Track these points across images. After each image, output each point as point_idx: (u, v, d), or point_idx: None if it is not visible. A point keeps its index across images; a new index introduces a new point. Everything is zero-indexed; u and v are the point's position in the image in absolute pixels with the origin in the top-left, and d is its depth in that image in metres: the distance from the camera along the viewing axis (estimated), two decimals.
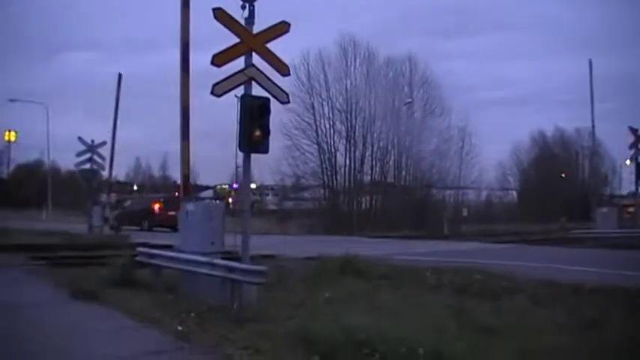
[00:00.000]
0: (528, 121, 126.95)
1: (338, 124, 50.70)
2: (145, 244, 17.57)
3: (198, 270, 11.36)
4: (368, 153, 51.04)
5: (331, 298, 11.53)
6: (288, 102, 12.31)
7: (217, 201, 61.22)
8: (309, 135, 50.34)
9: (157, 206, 40.11)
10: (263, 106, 11.60)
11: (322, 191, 51.61)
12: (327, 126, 50.67)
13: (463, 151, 54.08)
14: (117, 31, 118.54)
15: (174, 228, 23.32)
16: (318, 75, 50.49)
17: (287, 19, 12.07)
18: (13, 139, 79.30)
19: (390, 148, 51.62)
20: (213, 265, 10.93)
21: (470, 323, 9.29)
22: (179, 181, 15.56)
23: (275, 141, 50.54)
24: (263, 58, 11.86)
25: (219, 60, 11.43)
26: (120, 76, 32.31)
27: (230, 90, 11.70)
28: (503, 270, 15.24)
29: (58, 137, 68.00)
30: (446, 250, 24.78)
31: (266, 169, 53.71)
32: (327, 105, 50.60)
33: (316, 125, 50.25)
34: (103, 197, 50.20)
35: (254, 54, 11.76)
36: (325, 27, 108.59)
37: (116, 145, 32.20)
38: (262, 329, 8.83)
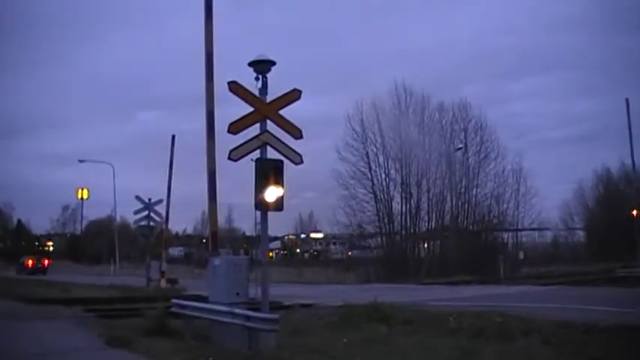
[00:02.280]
0: (592, 159, 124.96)
1: (393, 172, 51.61)
2: (194, 297, 18.66)
3: (221, 319, 12.44)
4: (424, 199, 51.65)
5: (348, 342, 12.34)
6: (302, 163, 13.27)
7: (285, 251, 62.48)
8: (364, 184, 51.33)
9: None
10: (277, 168, 12.70)
11: (380, 239, 52.32)
12: (382, 174, 51.62)
13: (520, 193, 54.09)
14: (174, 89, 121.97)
15: None
16: (372, 124, 51.61)
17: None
18: (85, 196, 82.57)
19: (445, 193, 52.15)
20: (233, 315, 11.98)
21: None
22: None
23: (332, 190, 52.00)
24: (276, 124, 13.01)
25: (234, 128, 12.63)
26: (173, 137, 34.07)
27: (246, 154, 12.84)
28: (527, 312, 15.75)
29: (127, 193, 70.34)
30: (487, 294, 25.18)
31: (324, 218, 54.69)
32: (382, 153, 51.60)
33: (371, 174, 51.23)
34: (171, 250, 52.01)
35: (268, 120, 12.98)
36: (379, 76, 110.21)
37: (183, 200, 33.78)
38: None
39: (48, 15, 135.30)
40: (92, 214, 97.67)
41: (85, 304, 20.85)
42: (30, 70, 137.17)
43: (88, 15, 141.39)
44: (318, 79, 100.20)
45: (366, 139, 51.59)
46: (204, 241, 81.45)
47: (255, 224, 41.15)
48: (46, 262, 63.88)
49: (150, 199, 31.58)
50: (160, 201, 32.37)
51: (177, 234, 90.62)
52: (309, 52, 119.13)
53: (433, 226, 52.45)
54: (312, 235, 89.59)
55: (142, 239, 33.71)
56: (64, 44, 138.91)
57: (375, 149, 51.70)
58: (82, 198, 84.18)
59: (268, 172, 12.54)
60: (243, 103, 12.90)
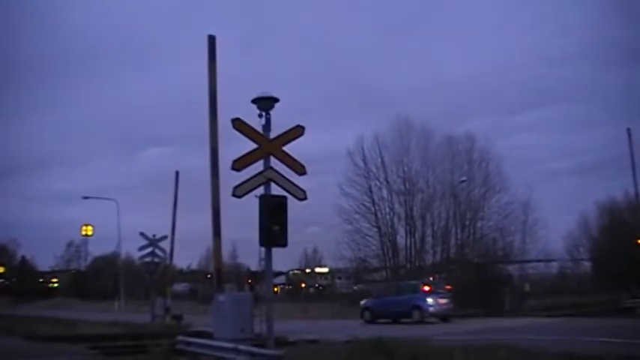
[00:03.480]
0: (595, 190, 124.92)
1: (397, 206, 51.60)
2: (199, 334, 18.68)
3: (226, 355, 12.45)
4: (428, 232, 51.57)
5: None
6: (306, 199, 13.35)
7: (290, 286, 62.36)
8: (368, 218, 51.33)
9: None
10: (280, 204, 12.85)
11: (385, 273, 52.26)
12: (387, 208, 51.64)
13: (526, 224, 53.84)
14: (178, 127, 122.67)
15: None
16: (375, 158, 51.75)
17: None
18: (90, 233, 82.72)
19: (450, 226, 52.04)
20: (238, 351, 12.01)
21: None
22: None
23: (336, 225, 52.03)
24: (280, 160, 13.14)
25: (238, 165, 12.77)
26: (177, 173, 34.32)
27: (250, 191, 12.96)
28: (532, 345, 15.79)
29: (131, 230, 70.48)
30: (493, 327, 25.16)
31: (328, 253, 54.65)
32: (385, 188, 51.67)
33: (375, 208, 51.25)
34: (176, 286, 51.89)
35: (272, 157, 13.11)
36: (380, 113, 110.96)
37: (188, 236, 33.88)
38: None
39: (51, 57, 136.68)
40: (97, 250, 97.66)
41: (89, 341, 20.86)
42: (34, 109, 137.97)
43: (91, 57, 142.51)
44: (320, 115, 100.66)
45: (369, 174, 51.75)
46: (208, 276, 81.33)
47: (260, 260, 41.26)
48: None
49: (154, 235, 31.64)
50: (165, 237, 32.45)
51: (181, 270, 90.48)
52: (311, 89, 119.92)
53: (438, 259, 52.33)
54: (317, 269, 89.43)
55: (147, 275, 33.68)
56: (66, 85, 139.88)
57: (378, 183, 51.84)
58: (86, 235, 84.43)
59: (272, 209, 12.64)
60: (246, 139, 13.04)
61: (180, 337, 15.05)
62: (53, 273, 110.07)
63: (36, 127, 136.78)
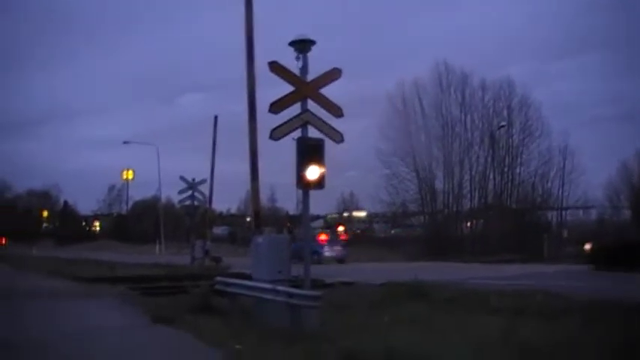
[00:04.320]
0: (637, 137, 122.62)
1: (435, 151, 51.51)
2: (237, 275, 18.92)
3: (264, 296, 12.62)
4: (466, 177, 51.55)
5: (390, 320, 12.45)
6: (343, 141, 13.34)
7: (329, 229, 62.64)
8: (406, 162, 51.35)
9: None
10: (318, 146, 12.86)
11: (422, 218, 52.36)
12: (425, 153, 51.47)
13: (565, 171, 53.40)
14: (216, 72, 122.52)
15: None
16: (414, 103, 51.53)
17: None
18: (130, 177, 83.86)
19: (488, 172, 51.82)
20: (276, 292, 12.14)
21: (516, 344, 9.83)
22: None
23: (374, 169, 52.12)
24: (317, 103, 13.12)
25: (275, 108, 12.79)
26: (216, 118, 34.42)
27: (288, 134, 12.99)
28: (569, 291, 15.80)
29: (171, 174, 71.37)
30: (530, 273, 25.14)
31: (366, 197, 54.60)
32: (424, 132, 51.48)
33: (413, 153, 51.17)
34: (215, 229, 52.56)
35: (309, 99, 13.10)
36: (420, 56, 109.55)
37: (227, 180, 34.13)
38: (313, 348, 9.66)
39: (90, 6, 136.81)
40: (137, 194, 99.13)
41: (130, 282, 21.27)
42: (75, 58, 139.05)
43: (128, 4, 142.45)
44: (358, 60, 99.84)
45: (408, 118, 51.58)
46: (247, 220, 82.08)
47: (298, 203, 41.29)
48: (3, 240, 79.55)
49: (194, 179, 31.98)
50: (204, 181, 32.79)
51: (221, 213, 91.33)
52: (350, 32, 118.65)
53: (476, 205, 52.23)
54: (355, 213, 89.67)
55: (187, 218, 34.17)
56: (106, 34, 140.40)
57: (416, 128, 51.62)
58: (127, 179, 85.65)
59: (309, 151, 12.69)
60: (284, 83, 13.04)
61: (219, 278, 15.27)
62: (95, 217, 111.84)
63: (78, 75, 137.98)
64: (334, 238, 46.53)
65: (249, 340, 10.43)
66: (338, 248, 43.47)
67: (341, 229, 54.61)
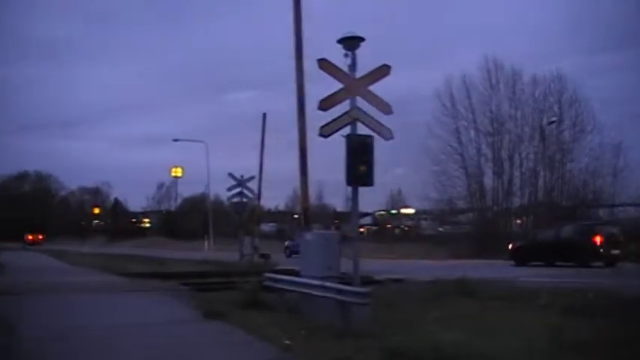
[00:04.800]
0: None
1: (484, 147, 51.03)
2: (286, 271, 19.02)
3: (313, 292, 12.68)
4: (516, 174, 50.82)
5: (438, 317, 12.40)
6: (392, 138, 13.32)
7: (375, 227, 62.75)
8: (455, 159, 50.98)
9: None
10: (367, 143, 12.89)
11: (471, 215, 51.99)
12: (474, 150, 51.11)
13: (617, 167, 52.33)
14: (265, 70, 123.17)
15: None
16: (462, 99, 51.12)
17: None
18: (179, 174, 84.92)
19: (538, 168, 51.11)
20: (325, 288, 12.19)
21: (564, 342, 9.72)
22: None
23: (422, 166, 51.92)
24: (366, 100, 13.13)
25: (325, 105, 12.84)
26: (264, 115, 34.64)
27: (337, 131, 13.03)
28: (617, 289, 15.61)
29: (220, 171, 72.07)
30: (582, 271, 24.84)
31: (414, 194, 54.33)
32: (473, 129, 51.08)
33: (462, 149, 50.83)
34: (264, 226, 52.98)
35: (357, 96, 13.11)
36: (469, 52, 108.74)
37: (275, 177, 34.45)
38: (362, 344, 9.70)
39: (139, 6, 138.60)
40: (186, 191, 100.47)
41: (180, 278, 21.56)
42: (125, 58, 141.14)
43: (178, 4, 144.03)
44: (406, 55, 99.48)
45: (457, 115, 51.21)
46: (295, 217, 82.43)
47: (346, 200, 41.64)
48: (40, 237, 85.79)
49: (242, 176, 32.25)
50: (252, 178, 33.04)
51: (269, 210, 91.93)
52: (398, 27, 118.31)
53: (526, 202, 51.63)
54: (403, 210, 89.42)
55: (236, 215, 34.47)
56: (157, 31, 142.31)
57: (465, 124, 51.30)
58: (176, 176, 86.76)
59: (359, 148, 12.72)
60: (332, 80, 13.08)
61: (268, 275, 15.37)
62: (144, 213, 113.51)
63: (128, 74, 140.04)
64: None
65: (299, 336, 10.50)
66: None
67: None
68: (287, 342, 10.07)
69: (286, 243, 51.19)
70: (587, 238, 30.60)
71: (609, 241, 30.58)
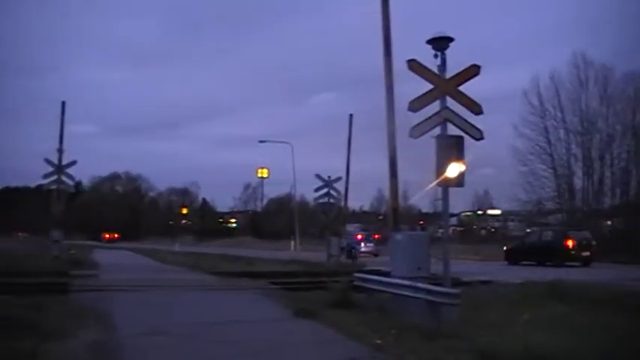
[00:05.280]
0: None
1: (574, 147, 49.71)
2: (374, 272, 19.08)
3: (402, 292, 12.72)
4: (607, 174, 49.30)
5: (528, 319, 12.27)
6: (482, 138, 13.26)
7: (461, 228, 62.17)
8: (543, 159, 49.84)
9: None
10: (458, 144, 12.88)
11: (560, 216, 50.84)
12: (563, 149, 49.91)
13: None
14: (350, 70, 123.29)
15: None
16: (551, 98, 49.90)
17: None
18: (265, 175, 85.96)
19: (631, 167, 49.50)
20: (415, 289, 12.23)
21: None
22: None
23: (509, 166, 51.09)
24: (456, 100, 13.10)
25: (414, 105, 12.89)
26: (351, 116, 34.73)
27: (427, 131, 13.04)
28: None
29: (305, 172, 72.69)
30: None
31: (501, 195, 53.42)
32: (562, 128, 49.86)
33: (551, 149, 49.66)
34: (349, 227, 53.23)
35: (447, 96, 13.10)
36: (556, 50, 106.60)
37: (360, 177, 34.46)
38: (451, 345, 9.73)
39: (223, 11, 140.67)
40: (272, 192, 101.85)
41: (269, 277, 21.84)
42: (211, 61, 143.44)
43: (260, 8, 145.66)
44: (493, 54, 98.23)
45: (545, 114, 50.02)
46: (379, 217, 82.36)
47: (433, 201, 41.36)
48: (116, 235, 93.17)
49: (329, 177, 32.45)
50: (339, 179, 33.17)
51: (353, 211, 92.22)
52: (485, 27, 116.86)
53: (617, 202, 50.12)
54: (489, 211, 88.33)
55: (323, 216, 34.74)
56: (239, 36, 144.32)
57: (554, 123, 50.04)
58: (262, 177, 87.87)
59: (449, 149, 12.73)
60: (420, 80, 13.10)
61: (357, 274, 15.48)
62: (231, 213, 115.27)
63: (215, 76, 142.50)
64: (368, 237, 54.76)
65: (389, 335, 10.56)
66: (371, 245, 51.74)
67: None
68: (378, 341, 10.15)
69: (343, 244, 52.88)
70: (561, 242, 35.10)
71: (580, 244, 34.84)
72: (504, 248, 40.46)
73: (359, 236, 52.77)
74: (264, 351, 9.66)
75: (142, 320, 12.10)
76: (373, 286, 14.22)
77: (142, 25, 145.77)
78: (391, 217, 16.19)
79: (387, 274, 14.54)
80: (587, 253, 34.45)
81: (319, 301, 14.52)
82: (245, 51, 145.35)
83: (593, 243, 35.72)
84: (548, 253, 34.34)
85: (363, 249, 49.11)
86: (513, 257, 37.46)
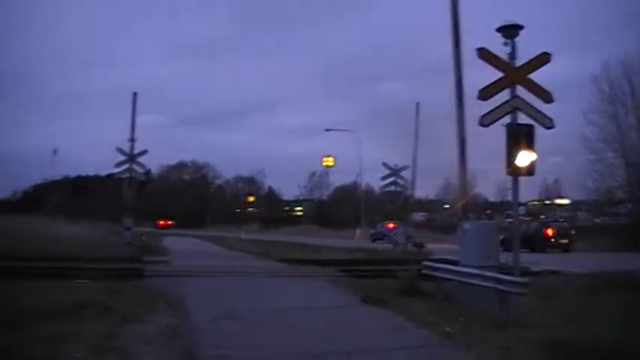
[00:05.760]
0: None
1: None
2: (442, 260, 19.07)
3: (471, 281, 12.74)
4: None
5: (599, 309, 12.17)
6: (553, 127, 13.12)
7: (529, 217, 61.39)
8: (614, 147, 48.73)
9: None
10: (528, 132, 12.80)
11: (630, 206, 49.65)
12: (634, 137, 48.66)
13: None
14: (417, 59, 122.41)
15: None
16: (622, 84, 48.65)
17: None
18: (331, 164, 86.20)
19: None
20: (484, 277, 12.24)
21: None
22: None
23: (578, 155, 50.08)
24: (526, 88, 12.99)
25: (484, 94, 12.83)
26: (417, 105, 34.61)
27: (497, 120, 12.98)
28: None
29: (371, 161, 73.07)
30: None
31: (569, 184, 52.50)
32: (633, 115, 48.58)
33: (621, 137, 48.47)
34: (416, 216, 53.22)
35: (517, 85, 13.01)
36: (628, 33, 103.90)
37: (426, 166, 34.47)
38: (520, 334, 9.70)
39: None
40: (337, 180, 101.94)
41: (336, 265, 22.02)
42: (277, 49, 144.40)
43: None
44: (560, 41, 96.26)
45: (615, 100, 48.77)
46: (446, 206, 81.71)
47: (501, 190, 40.91)
48: (170, 222, 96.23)
49: (396, 166, 32.48)
50: (406, 167, 33.16)
51: (419, 200, 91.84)
52: (551, 14, 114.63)
53: None
54: (557, 201, 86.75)
55: (389, 204, 34.83)
56: (307, 23, 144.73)
57: (625, 110, 48.81)
58: (327, 165, 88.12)
59: (520, 137, 12.66)
60: (489, 68, 13.03)
61: (426, 263, 15.54)
62: (297, 202, 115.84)
63: (282, 65, 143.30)
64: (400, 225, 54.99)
65: (458, 323, 10.59)
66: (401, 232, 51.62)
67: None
68: (447, 329, 10.21)
69: (371, 231, 59.48)
70: (542, 231, 40.81)
71: (559, 233, 40.80)
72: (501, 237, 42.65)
73: (390, 225, 54.75)
74: (334, 337, 9.79)
75: (213, 305, 12.36)
76: (442, 275, 14.27)
77: (210, 17, 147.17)
78: (459, 206, 16.15)
79: (455, 263, 14.54)
80: (564, 241, 40.41)
81: (387, 289, 14.63)
82: (314, 42, 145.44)
83: (572, 232, 41.85)
84: (533, 241, 37.58)
85: (394, 236, 50.76)
86: (506, 245, 37.60)
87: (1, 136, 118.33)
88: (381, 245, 36.42)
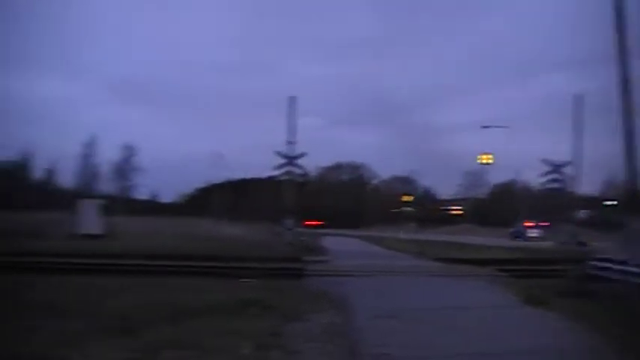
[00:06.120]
0: None
1: None
2: (605, 259, 18.20)
3: None
4: None
5: None
6: None
7: None
8: None
9: None
10: None
11: None
12: None
13: None
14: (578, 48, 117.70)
15: None
16: None
17: None
18: (489, 161, 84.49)
19: None
20: None
21: None
22: None
23: None
24: None
25: None
26: (581, 97, 33.27)
27: None
28: None
29: (530, 157, 71.28)
30: None
31: None
32: None
33: None
34: (581, 213, 51.32)
35: None
36: None
37: (589, 162, 33.09)
38: None
39: None
40: (493, 177, 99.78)
41: (494, 264, 21.51)
42: (433, 44, 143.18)
43: None
44: None
45: None
46: (607, 203, 78.17)
47: None
48: (317, 222, 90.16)
49: (558, 162, 31.46)
50: (568, 163, 32.00)
51: (582, 196, 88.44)
52: None
53: None
54: None
55: (552, 201, 33.82)
56: (460, 16, 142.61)
57: None
58: (485, 163, 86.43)
59: None
60: None
61: (593, 262, 14.87)
62: (453, 201, 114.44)
63: (437, 61, 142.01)
64: (535, 224, 61.40)
65: (629, 327, 10.02)
66: (538, 230, 58.79)
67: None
68: (616, 332, 9.66)
69: (510, 230, 62.83)
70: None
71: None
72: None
73: (527, 224, 61.30)
74: (494, 338, 9.52)
75: (373, 305, 12.35)
76: (610, 275, 13.60)
77: (354, 16, 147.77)
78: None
79: (623, 263, 13.82)
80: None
81: (549, 289, 14.10)
82: (463, 36, 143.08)
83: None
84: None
85: (530, 234, 57.77)
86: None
87: (168, 143, 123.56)
88: (543, 244, 35.23)
